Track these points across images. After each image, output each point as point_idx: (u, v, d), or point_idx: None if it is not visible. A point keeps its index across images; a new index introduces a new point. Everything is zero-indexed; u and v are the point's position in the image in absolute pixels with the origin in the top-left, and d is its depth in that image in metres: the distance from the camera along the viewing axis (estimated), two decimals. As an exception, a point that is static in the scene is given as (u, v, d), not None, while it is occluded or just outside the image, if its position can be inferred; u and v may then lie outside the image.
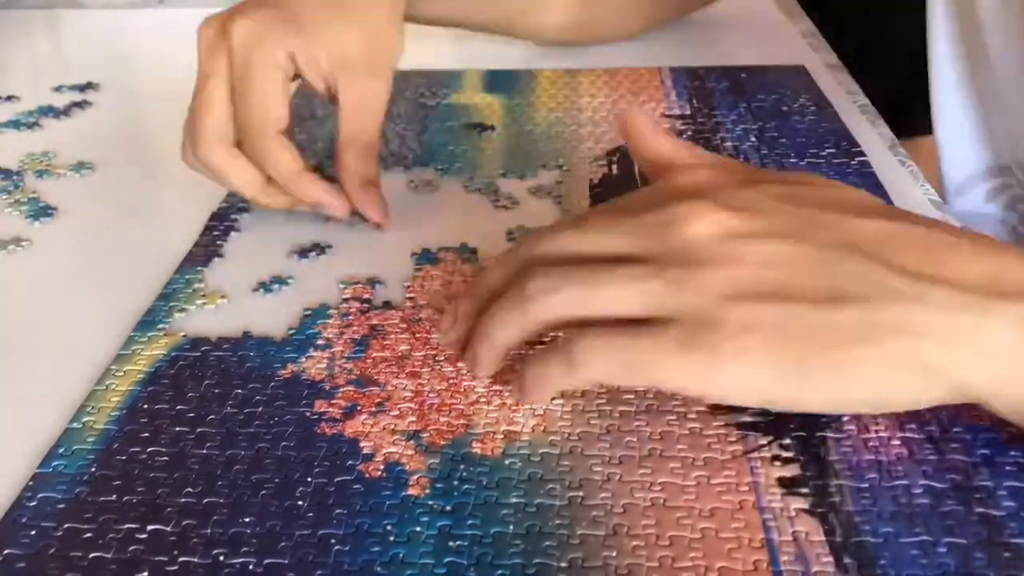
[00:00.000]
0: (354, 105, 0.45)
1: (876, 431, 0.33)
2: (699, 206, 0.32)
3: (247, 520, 0.31)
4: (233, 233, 0.46)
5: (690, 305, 0.31)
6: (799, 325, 0.30)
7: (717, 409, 0.34)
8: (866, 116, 0.56)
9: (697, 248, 0.31)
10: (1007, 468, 0.31)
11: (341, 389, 0.36)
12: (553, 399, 0.35)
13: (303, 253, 0.44)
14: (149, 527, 0.30)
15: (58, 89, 0.64)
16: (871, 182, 0.48)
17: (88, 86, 0.64)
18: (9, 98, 0.63)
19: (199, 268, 0.44)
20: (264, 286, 0.42)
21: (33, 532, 0.30)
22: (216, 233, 0.46)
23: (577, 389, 0.35)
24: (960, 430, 0.33)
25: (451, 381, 0.36)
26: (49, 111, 0.60)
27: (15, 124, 0.59)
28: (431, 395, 0.35)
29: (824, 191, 0.34)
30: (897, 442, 0.33)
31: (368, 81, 0.46)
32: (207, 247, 0.45)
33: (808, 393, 0.30)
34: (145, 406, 0.35)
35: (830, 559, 0.29)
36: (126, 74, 0.68)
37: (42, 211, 0.49)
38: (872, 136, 0.54)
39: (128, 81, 0.66)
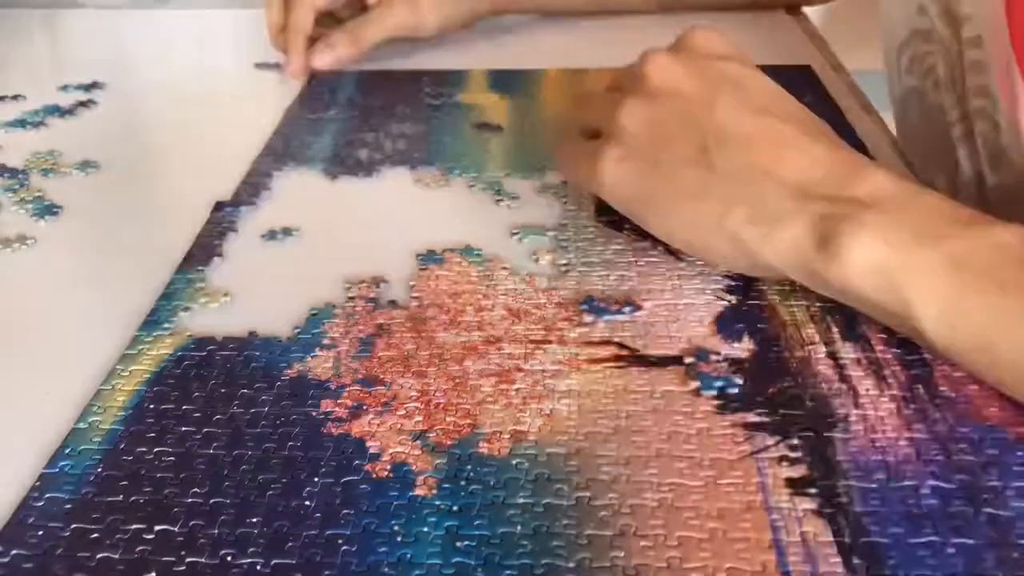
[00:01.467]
0: (375, 13, 0.64)
1: (883, 431, 0.33)
2: (659, 55, 0.42)
3: (254, 520, 0.30)
4: (231, 233, 0.46)
5: (609, 126, 0.41)
6: (662, 171, 0.39)
7: (725, 408, 0.34)
8: (870, 116, 0.56)
9: (639, 84, 0.42)
10: (1015, 468, 0.31)
11: (347, 388, 0.36)
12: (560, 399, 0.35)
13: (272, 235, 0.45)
14: (156, 527, 0.30)
15: (64, 88, 0.64)
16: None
17: (93, 85, 0.64)
18: (15, 97, 0.62)
19: (199, 268, 0.44)
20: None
21: (40, 532, 0.30)
22: (215, 233, 0.46)
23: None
24: (968, 430, 0.33)
25: (457, 380, 0.36)
26: (55, 110, 0.60)
27: (21, 123, 0.59)
28: (437, 394, 0.35)
29: (755, 82, 0.41)
30: (905, 442, 0.33)
31: (401, 7, 0.64)
32: (206, 247, 0.45)
33: (649, 220, 0.40)
34: (151, 406, 0.35)
35: (838, 560, 0.29)
36: (130, 74, 0.68)
37: (47, 210, 0.49)
38: (876, 136, 0.54)
39: (132, 81, 0.66)
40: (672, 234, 0.40)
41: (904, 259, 0.33)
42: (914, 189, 0.36)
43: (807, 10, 0.74)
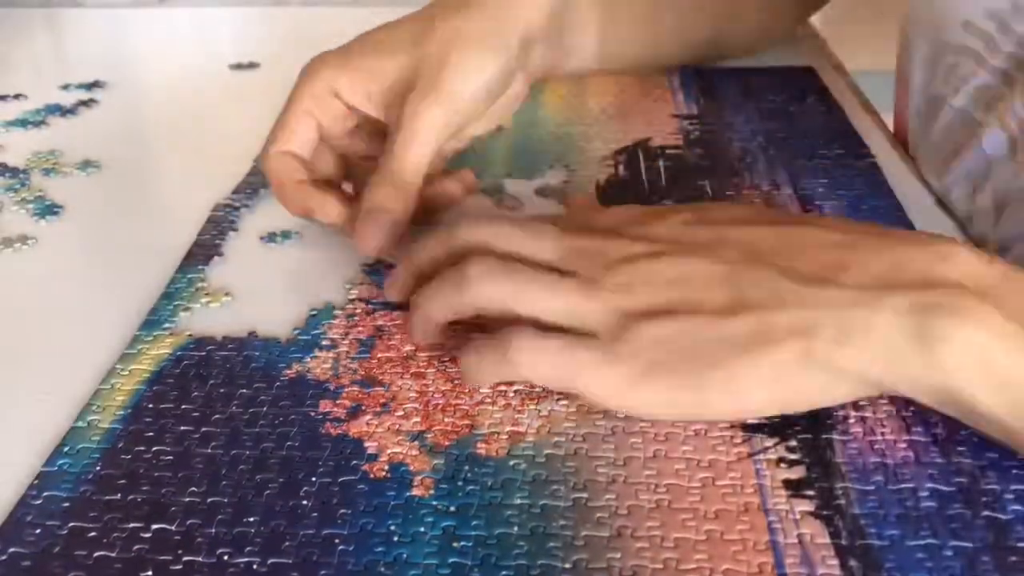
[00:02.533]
0: (398, 127, 0.41)
1: (882, 434, 0.33)
2: (619, 234, 0.35)
3: (251, 520, 0.31)
4: (231, 232, 0.46)
5: (607, 320, 0.33)
6: (697, 338, 0.32)
7: (722, 411, 0.34)
8: (871, 116, 0.56)
9: (614, 268, 0.34)
10: (1014, 472, 0.31)
11: (346, 389, 0.36)
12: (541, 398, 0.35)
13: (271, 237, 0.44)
14: (154, 526, 0.30)
15: (65, 88, 0.64)
16: (878, 182, 0.48)
17: (95, 84, 0.64)
18: (16, 96, 0.63)
19: (200, 267, 0.44)
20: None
21: (38, 531, 0.30)
22: (215, 232, 0.46)
23: (512, 381, 0.36)
24: (967, 433, 0.33)
25: (456, 382, 0.36)
26: (56, 110, 0.60)
27: (22, 123, 0.59)
28: (436, 395, 0.35)
29: (730, 210, 0.37)
30: (903, 445, 0.33)
31: (416, 101, 0.41)
32: (207, 246, 0.45)
33: (709, 401, 0.32)
34: (150, 405, 0.35)
35: (835, 562, 0.28)
36: (131, 73, 0.68)
37: (48, 209, 0.49)
38: (878, 136, 0.54)
39: (134, 80, 0.66)
40: (748, 405, 0.32)
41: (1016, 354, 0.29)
42: (1008, 269, 0.31)
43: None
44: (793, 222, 0.36)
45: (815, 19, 0.72)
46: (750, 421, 0.33)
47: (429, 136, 0.41)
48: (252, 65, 0.67)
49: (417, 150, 0.41)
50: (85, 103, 0.62)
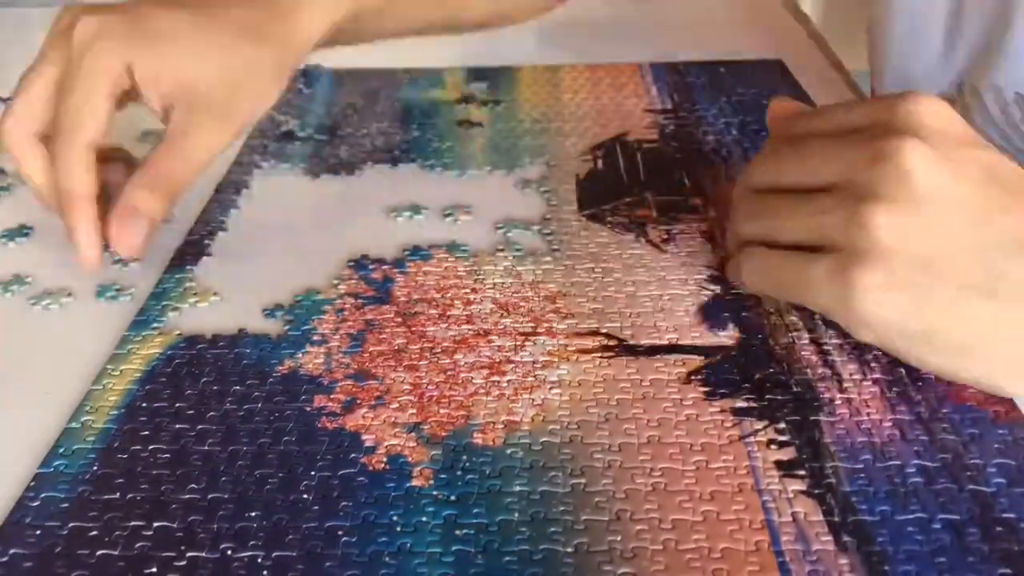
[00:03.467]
0: (179, 144, 0.41)
1: (868, 414, 0.34)
2: (912, 146, 0.33)
3: (253, 515, 0.31)
4: (220, 232, 0.46)
5: (853, 241, 0.33)
6: (940, 301, 0.32)
7: (713, 395, 0.35)
8: None
9: (891, 187, 0.32)
10: (995, 446, 0.32)
11: (339, 383, 0.36)
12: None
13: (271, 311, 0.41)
14: (155, 524, 0.30)
15: None
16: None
17: None
18: (7, 100, 0.62)
19: (188, 267, 0.44)
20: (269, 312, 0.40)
21: (38, 532, 0.30)
22: (204, 232, 0.46)
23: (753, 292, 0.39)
24: (949, 411, 0.34)
25: (449, 373, 0.36)
26: None
27: None
28: (430, 387, 0.36)
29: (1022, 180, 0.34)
30: (889, 424, 0.33)
31: (208, 126, 0.41)
32: (196, 245, 0.45)
33: (927, 359, 0.34)
34: (144, 404, 0.35)
35: (829, 538, 0.29)
36: None
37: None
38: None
39: None
40: (959, 375, 0.34)
41: None
42: None
43: (807, 9, 0.75)
44: None
45: (815, 18, 0.72)
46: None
47: (208, 157, 0.42)
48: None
49: (193, 166, 0.42)
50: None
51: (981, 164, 0.33)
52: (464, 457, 0.33)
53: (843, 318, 0.34)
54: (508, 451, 0.33)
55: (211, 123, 0.41)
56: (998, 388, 0.34)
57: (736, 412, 0.34)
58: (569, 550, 0.29)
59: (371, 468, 0.32)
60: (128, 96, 0.43)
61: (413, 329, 0.39)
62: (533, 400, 0.35)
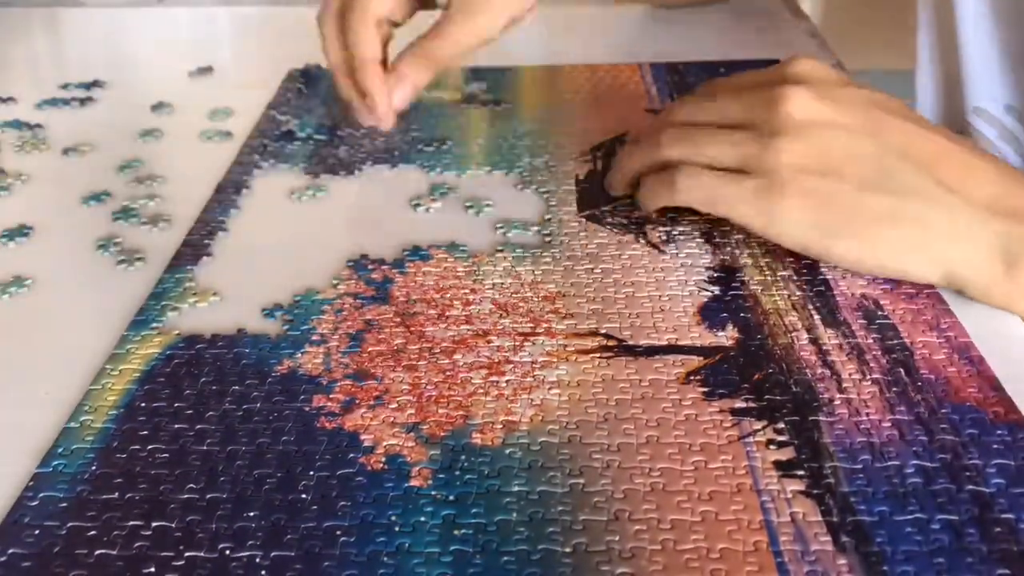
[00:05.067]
0: (452, 26, 0.50)
1: (867, 414, 0.34)
2: (798, 90, 0.41)
3: (251, 514, 0.31)
4: (220, 232, 0.46)
5: (770, 166, 0.40)
6: (842, 200, 0.39)
7: (712, 395, 0.35)
8: None
9: (785, 124, 0.40)
10: (994, 446, 0.32)
11: (338, 383, 0.36)
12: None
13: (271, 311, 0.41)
14: (153, 524, 0.30)
15: (65, 87, 0.63)
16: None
17: (94, 84, 0.64)
18: (7, 100, 0.62)
19: (189, 267, 0.44)
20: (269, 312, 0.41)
21: (37, 532, 0.30)
22: (204, 232, 0.46)
23: (674, 204, 0.43)
24: (948, 411, 0.34)
25: (448, 373, 0.36)
26: (54, 109, 0.60)
27: (17, 124, 0.58)
28: (429, 387, 0.36)
29: (898, 106, 0.42)
30: (888, 424, 0.33)
31: (477, 13, 0.50)
32: (195, 246, 0.45)
33: (834, 249, 0.40)
34: (143, 404, 0.35)
35: (828, 538, 0.29)
36: (130, 73, 0.67)
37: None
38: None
39: (133, 80, 0.66)
40: (862, 260, 0.40)
41: None
42: None
43: (807, 9, 0.75)
44: (939, 132, 0.41)
45: (815, 18, 0.72)
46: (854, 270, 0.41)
47: (473, 42, 0.51)
48: (210, 69, 0.67)
49: (461, 46, 0.50)
50: (83, 102, 0.61)
51: (858, 95, 0.42)
52: (463, 457, 0.33)
53: (764, 227, 0.40)
54: (507, 451, 0.33)
55: (480, 14, 0.50)
56: (889, 269, 0.40)
57: (735, 412, 0.34)
58: (567, 550, 0.29)
59: (370, 468, 0.32)
60: None
61: (412, 329, 0.39)
62: (532, 400, 0.35)
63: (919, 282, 0.40)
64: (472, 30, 0.50)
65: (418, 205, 0.48)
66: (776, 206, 0.40)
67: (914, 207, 0.39)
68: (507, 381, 0.36)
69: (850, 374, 0.36)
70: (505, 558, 0.29)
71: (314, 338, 0.39)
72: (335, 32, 0.51)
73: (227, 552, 0.29)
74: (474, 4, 0.50)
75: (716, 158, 0.42)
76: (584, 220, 0.46)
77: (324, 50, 0.52)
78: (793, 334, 0.38)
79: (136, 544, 0.30)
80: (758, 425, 0.34)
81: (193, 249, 0.45)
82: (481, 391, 0.36)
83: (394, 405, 0.35)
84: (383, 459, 0.33)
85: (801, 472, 0.32)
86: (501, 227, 0.46)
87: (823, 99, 0.41)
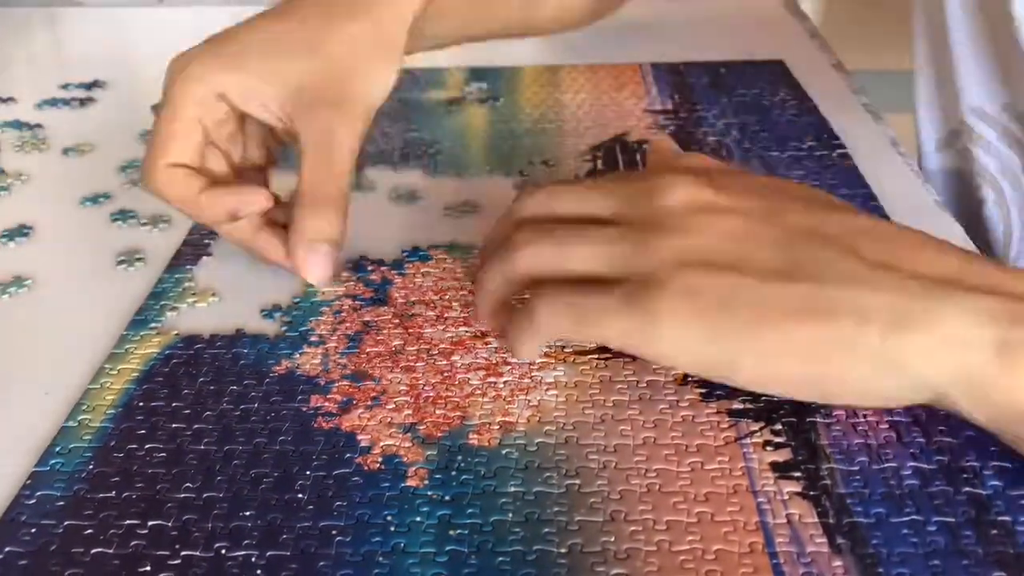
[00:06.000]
0: (315, 144, 0.39)
1: (864, 415, 0.34)
2: (679, 179, 0.34)
3: (248, 514, 0.31)
4: (221, 232, 0.47)
5: (643, 267, 0.32)
6: (742, 296, 0.30)
7: (709, 396, 0.35)
8: (871, 115, 0.57)
9: (667, 216, 0.33)
10: (992, 448, 0.32)
11: (336, 384, 0.36)
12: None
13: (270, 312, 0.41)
14: (150, 523, 0.30)
15: (65, 87, 0.64)
16: (853, 175, 0.49)
17: (95, 84, 0.64)
18: (7, 100, 0.62)
19: (188, 267, 0.44)
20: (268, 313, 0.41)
21: (33, 530, 0.30)
22: (204, 232, 0.46)
23: (547, 343, 0.36)
24: (945, 413, 0.34)
25: (445, 374, 0.36)
26: (55, 109, 0.60)
27: (17, 124, 0.58)
28: (426, 388, 0.36)
29: (800, 188, 0.35)
30: (885, 426, 0.33)
31: (332, 116, 0.39)
32: (195, 246, 0.45)
33: (742, 365, 0.30)
34: (141, 403, 0.35)
35: (824, 540, 0.29)
36: (131, 73, 0.67)
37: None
38: (877, 134, 0.54)
39: (133, 79, 0.66)
40: (779, 373, 0.31)
41: None
42: None
43: (807, 9, 0.75)
44: (853, 212, 0.34)
45: (815, 18, 0.72)
46: (774, 395, 0.33)
47: (350, 153, 0.40)
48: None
49: (341, 168, 0.39)
50: (83, 102, 0.61)
51: (752, 180, 0.35)
52: (459, 458, 0.33)
53: (643, 343, 0.31)
54: (503, 452, 0.33)
55: (336, 115, 0.39)
56: (821, 381, 0.31)
57: (732, 414, 0.34)
58: (563, 551, 0.29)
59: (366, 468, 0.32)
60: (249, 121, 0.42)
61: (410, 330, 0.39)
62: (529, 401, 0.35)
63: (874, 405, 0.32)
64: (341, 143, 0.39)
65: (414, 202, 0.48)
66: (653, 315, 0.30)
67: (842, 296, 0.30)
68: (504, 382, 0.36)
69: (848, 375, 0.36)
70: (500, 558, 0.29)
71: (312, 339, 0.39)
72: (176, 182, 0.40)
73: (223, 551, 0.29)
74: (324, 104, 0.39)
75: (587, 262, 0.33)
76: (583, 221, 0.46)
77: (181, 205, 0.41)
78: (791, 335, 0.38)
79: (132, 543, 0.30)
80: (755, 426, 0.34)
81: (192, 249, 0.45)
82: (479, 392, 0.36)
83: (391, 406, 0.35)
84: (380, 459, 0.33)
85: (798, 473, 0.32)
86: (500, 227, 0.46)
87: (710, 185, 0.33)
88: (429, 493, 0.31)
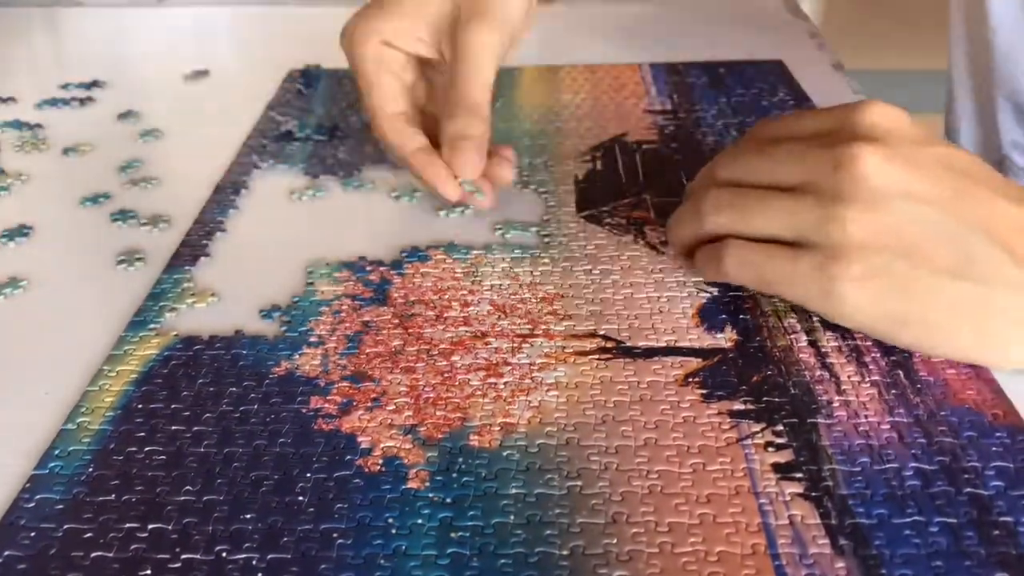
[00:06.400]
0: (459, 55, 0.44)
1: (866, 416, 0.34)
2: (867, 151, 0.35)
3: (248, 517, 0.31)
4: (219, 233, 0.46)
5: (830, 240, 0.35)
6: (916, 285, 0.34)
7: (710, 397, 0.35)
8: None
9: (855, 189, 0.35)
10: (993, 449, 0.32)
11: (336, 385, 0.36)
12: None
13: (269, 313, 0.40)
14: (150, 526, 0.30)
15: (65, 87, 0.63)
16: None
17: (94, 84, 0.64)
18: (7, 100, 0.62)
19: (187, 268, 0.44)
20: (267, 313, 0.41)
21: (33, 534, 0.30)
22: (203, 232, 0.46)
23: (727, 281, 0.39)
24: (947, 413, 0.34)
25: (446, 375, 0.36)
26: (54, 109, 0.60)
27: (17, 124, 0.58)
28: (426, 389, 0.36)
29: (979, 166, 0.37)
30: (887, 426, 0.33)
31: (471, 34, 0.44)
32: (194, 246, 0.45)
33: (901, 338, 0.36)
34: (140, 406, 0.35)
35: (826, 541, 0.29)
36: (130, 73, 0.67)
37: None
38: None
39: (132, 80, 0.66)
40: (935, 350, 0.36)
41: None
42: None
43: (807, 9, 0.75)
44: (1018, 200, 0.36)
45: (815, 18, 0.72)
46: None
47: (488, 60, 0.44)
48: (207, 72, 0.67)
49: (480, 75, 0.44)
50: (83, 101, 0.61)
51: (934, 156, 0.36)
52: (460, 459, 0.33)
53: (823, 308, 0.36)
54: (504, 453, 0.33)
55: (472, 30, 0.44)
56: (971, 360, 0.36)
57: (733, 414, 0.34)
58: (565, 553, 0.29)
59: (367, 470, 0.32)
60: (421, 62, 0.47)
61: (410, 331, 0.39)
62: (530, 402, 0.35)
63: (1005, 369, 0.36)
64: (477, 51, 0.44)
65: (410, 199, 0.48)
66: (839, 286, 0.35)
67: (1004, 300, 0.34)
68: (505, 383, 0.36)
69: (849, 376, 0.36)
70: (502, 561, 0.29)
71: (312, 339, 0.39)
72: (397, 132, 0.46)
73: (223, 554, 0.29)
74: (459, 31, 0.45)
75: (767, 229, 0.37)
76: (583, 221, 0.46)
77: (399, 154, 0.46)
78: (792, 336, 0.38)
79: (132, 546, 0.30)
80: (756, 427, 0.34)
81: (191, 250, 0.45)
82: (479, 393, 0.35)
83: (392, 407, 0.35)
84: (380, 461, 0.33)
85: (799, 475, 0.32)
86: (500, 228, 0.46)
87: (898, 162, 0.35)
88: (430, 495, 0.31)
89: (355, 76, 0.47)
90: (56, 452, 0.33)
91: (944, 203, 0.35)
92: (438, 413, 0.35)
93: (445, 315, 0.40)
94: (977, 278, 0.34)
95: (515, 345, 0.38)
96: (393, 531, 0.30)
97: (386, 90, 0.46)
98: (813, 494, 0.31)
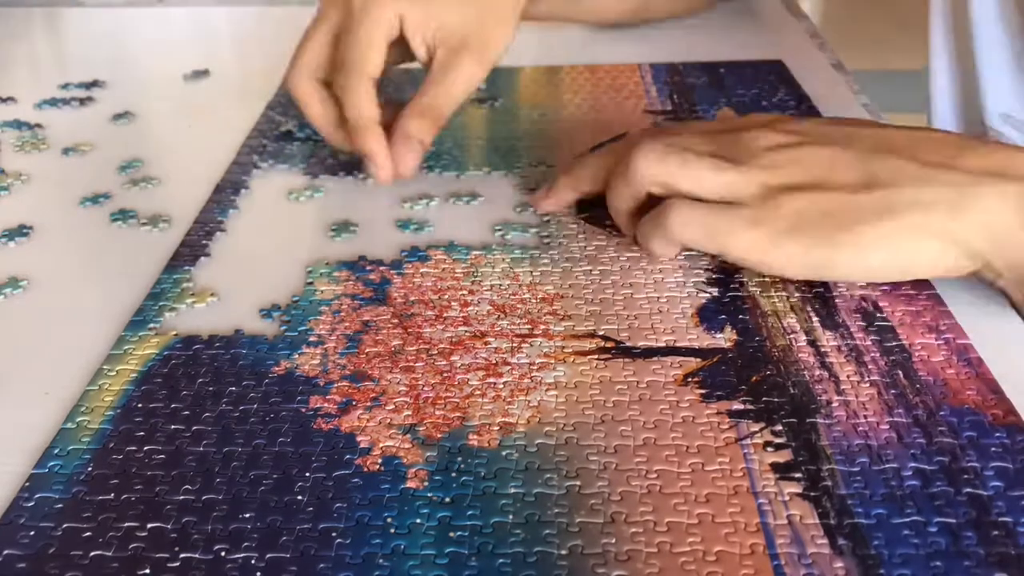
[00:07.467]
0: (442, 78, 0.48)
1: (865, 416, 0.34)
2: (762, 130, 0.41)
3: (247, 516, 0.31)
4: (219, 232, 0.46)
5: (756, 192, 0.39)
6: (833, 207, 0.38)
7: (709, 397, 0.35)
8: (870, 115, 0.57)
9: (759, 150, 0.40)
10: (993, 449, 0.32)
11: (335, 384, 0.36)
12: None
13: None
14: (149, 525, 0.30)
15: (65, 87, 0.64)
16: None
17: (94, 84, 0.64)
18: (7, 100, 0.62)
19: (187, 268, 0.44)
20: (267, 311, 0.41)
21: (32, 533, 0.30)
22: (202, 232, 0.46)
23: (674, 249, 0.42)
24: (946, 413, 0.34)
25: (445, 375, 0.36)
26: (54, 109, 0.60)
27: (17, 124, 0.58)
28: (426, 389, 0.36)
29: (865, 120, 0.43)
30: (886, 426, 0.33)
31: (467, 61, 0.48)
32: (193, 246, 0.45)
33: (837, 260, 0.38)
34: (139, 405, 0.35)
35: (825, 541, 0.29)
36: (130, 72, 0.67)
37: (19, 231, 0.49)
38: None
39: (133, 79, 0.66)
40: (870, 264, 0.38)
41: None
42: None
43: (807, 9, 0.75)
44: (914, 128, 0.41)
45: (815, 19, 0.72)
46: (863, 282, 0.40)
47: (467, 90, 0.48)
48: (207, 72, 0.67)
49: (456, 99, 0.48)
50: (83, 101, 0.61)
51: (818, 121, 0.44)
52: (459, 459, 0.33)
53: (763, 255, 0.38)
54: (503, 453, 0.33)
55: (469, 58, 0.48)
56: (900, 264, 0.38)
57: (732, 414, 0.34)
58: (563, 552, 0.29)
59: (366, 470, 0.32)
60: (394, 50, 0.49)
61: (410, 330, 0.39)
62: (529, 402, 0.35)
63: (938, 274, 0.38)
64: (465, 78, 0.48)
65: (415, 205, 0.48)
66: (774, 231, 0.38)
67: (909, 194, 0.37)
68: (504, 383, 0.36)
69: (848, 376, 0.36)
70: (501, 560, 0.29)
71: (311, 339, 0.39)
72: (314, 91, 0.50)
73: (222, 554, 0.29)
74: (464, 47, 0.48)
75: (694, 184, 0.40)
76: (582, 221, 0.46)
77: (307, 111, 0.50)
78: (791, 336, 0.38)
79: (132, 545, 0.30)
80: (756, 427, 0.34)
81: (191, 249, 0.45)
82: (478, 392, 0.35)
83: (391, 406, 0.35)
84: (379, 460, 0.33)
85: (798, 474, 0.32)
86: (500, 228, 0.46)
87: (785, 129, 0.41)
88: (429, 495, 0.31)
89: (351, 25, 0.47)
90: (56, 451, 0.33)
91: (835, 139, 0.40)
92: (437, 413, 0.35)
93: (445, 315, 0.40)
94: (886, 183, 0.37)
95: (514, 345, 0.38)
96: (392, 530, 0.30)
97: (374, 58, 0.48)
98: (812, 494, 0.31)
